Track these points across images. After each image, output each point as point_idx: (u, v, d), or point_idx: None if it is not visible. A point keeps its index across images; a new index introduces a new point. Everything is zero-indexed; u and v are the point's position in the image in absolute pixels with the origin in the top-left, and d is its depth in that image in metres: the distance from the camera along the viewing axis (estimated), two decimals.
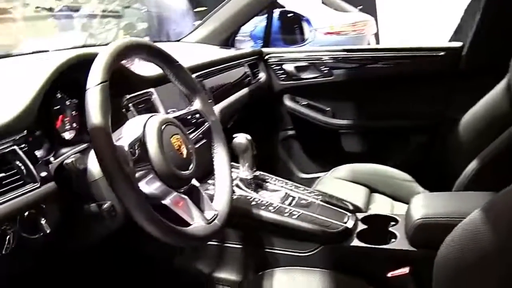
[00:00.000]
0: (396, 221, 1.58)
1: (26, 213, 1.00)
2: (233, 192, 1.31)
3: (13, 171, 0.99)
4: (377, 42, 7.06)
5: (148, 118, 1.13)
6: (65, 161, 1.04)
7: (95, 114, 0.97)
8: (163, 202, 1.14)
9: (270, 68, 2.54)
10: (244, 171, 1.63)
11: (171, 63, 1.27)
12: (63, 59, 1.15)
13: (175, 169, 1.11)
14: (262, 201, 1.58)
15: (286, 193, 1.67)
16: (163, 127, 1.13)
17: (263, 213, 1.52)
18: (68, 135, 1.25)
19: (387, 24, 7.34)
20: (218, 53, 2.30)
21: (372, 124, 2.48)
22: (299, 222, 1.50)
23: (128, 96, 1.41)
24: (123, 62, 1.20)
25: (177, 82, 1.30)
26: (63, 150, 1.15)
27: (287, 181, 1.77)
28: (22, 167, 1.01)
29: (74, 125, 1.27)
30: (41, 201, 1.02)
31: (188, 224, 1.14)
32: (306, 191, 1.72)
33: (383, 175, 2.12)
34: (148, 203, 1.00)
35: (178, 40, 2.55)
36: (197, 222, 1.14)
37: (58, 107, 1.22)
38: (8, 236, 0.95)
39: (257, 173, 1.77)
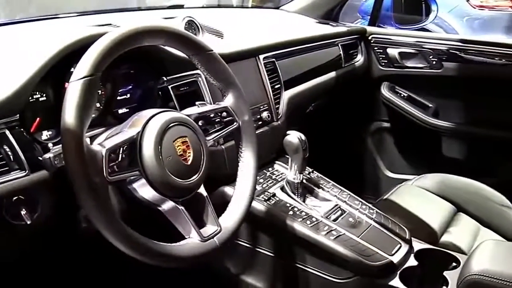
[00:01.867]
0: (458, 262, 1.33)
1: (14, 198, 0.95)
2: (249, 205, 1.16)
3: None
4: None
5: (153, 116, 1.01)
6: (44, 156, 0.96)
7: (69, 113, 0.86)
8: (159, 208, 1.04)
9: (372, 50, 2.26)
10: (292, 173, 1.46)
11: (199, 50, 1.12)
12: (70, 39, 1.05)
13: (171, 177, 0.99)
14: (302, 211, 1.40)
15: (336, 205, 1.48)
16: (168, 127, 1.00)
17: (297, 226, 1.35)
18: None
19: None
20: (311, 28, 2.09)
21: (478, 131, 2.12)
22: (335, 244, 1.31)
23: (165, 78, 1.30)
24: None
25: (207, 73, 1.15)
26: None
27: (345, 190, 1.57)
28: (9, 153, 0.95)
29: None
30: (27, 190, 0.97)
31: (182, 238, 1.03)
32: (362, 205, 1.51)
33: (476, 194, 1.81)
34: (119, 216, 0.90)
35: (278, 8, 2.37)
36: (190, 238, 1.02)
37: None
38: None
39: (313, 174, 1.60)
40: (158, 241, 0.98)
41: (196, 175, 1.04)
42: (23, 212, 0.96)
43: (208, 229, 1.06)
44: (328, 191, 1.53)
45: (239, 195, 1.15)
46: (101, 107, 1.21)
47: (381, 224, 1.43)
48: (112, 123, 1.14)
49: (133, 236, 0.91)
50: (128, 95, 1.28)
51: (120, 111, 1.26)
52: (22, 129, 0.98)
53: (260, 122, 1.56)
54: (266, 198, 1.43)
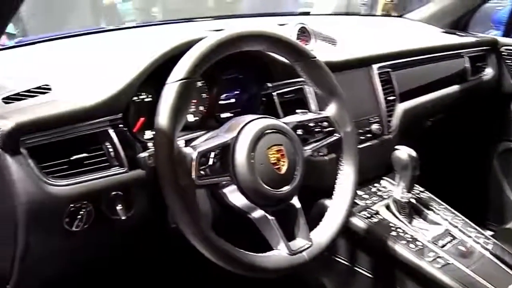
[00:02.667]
0: None
1: (113, 193, 0.99)
2: (344, 221, 1.09)
3: (100, 152, 0.98)
4: None
5: (248, 122, 1.00)
6: (139, 155, 0.98)
7: (162, 114, 0.88)
8: (249, 216, 1.01)
9: (503, 64, 2.06)
10: (399, 191, 1.36)
11: (302, 56, 1.08)
12: (169, 46, 1.07)
13: (263, 185, 0.96)
14: (407, 233, 1.30)
15: (446, 230, 1.35)
16: (263, 134, 0.98)
17: (400, 249, 1.25)
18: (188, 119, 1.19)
19: None
20: (435, 38, 1.95)
21: None
22: (441, 273, 1.20)
23: (270, 84, 1.28)
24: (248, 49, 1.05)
25: (310, 80, 1.11)
26: None
27: (459, 215, 1.43)
28: (111, 150, 0.99)
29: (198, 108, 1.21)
30: (126, 186, 0.99)
31: (270, 249, 0.99)
32: (477, 233, 1.37)
33: None
34: (206, 220, 0.89)
35: (400, 16, 2.25)
36: (278, 250, 0.98)
37: None
38: (81, 215, 0.95)
39: (424, 194, 1.48)
40: (245, 250, 0.96)
41: (289, 185, 1.01)
42: (119, 207, 0.98)
43: (298, 243, 1.02)
44: (439, 214, 1.41)
45: (335, 210, 1.09)
46: (204, 110, 1.22)
47: (497, 256, 1.29)
48: (213, 127, 1.14)
49: (216, 241, 0.90)
50: (233, 100, 1.28)
51: (223, 115, 1.26)
52: (125, 128, 1.02)
53: (369, 135, 1.48)
54: (369, 215, 1.35)
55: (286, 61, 1.15)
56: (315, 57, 1.10)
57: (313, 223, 1.09)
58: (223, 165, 0.95)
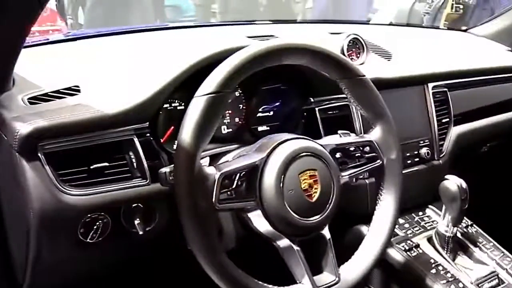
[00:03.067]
0: None
1: (133, 206, 0.94)
2: (378, 258, 1.00)
3: (123, 162, 0.94)
4: None
5: (281, 142, 0.92)
6: (160, 169, 0.93)
7: (186, 130, 0.82)
8: (274, 243, 0.94)
9: None
10: (444, 224, 1.25)
11: (347, 73, 1.00)
12: (205, 54, 1.01)
13: (291, 213, 0.89)
14: (448, 272, 1.20)
15: (493, 272, 1.24)
16: (296, 157, 0.90)
17: None
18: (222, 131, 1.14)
19: None
20: (499, 57, 1.81)
21: None
22: None
23: (313, 99, 1.21)
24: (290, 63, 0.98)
25: (354, 100, 1.02)
26: None
27: (509, 255, 1.31)
28: (134, 160, 0.94)
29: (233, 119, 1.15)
30: (146, 199, 0.95)
31: (294, 282, 0.92)
32: None
33: None
34: (222, 249, 0.83)
35: (465, 30, 2.11)
36: (302, 284, 0.91)
37: None
38: (97, 226, 0.91)
39: (472, 229, 1.36)
40: (268, 279, 0.90)
41: (320, 214, 0.93)
42: (137, 221, 0.94)
43: (324, 278, 0.94)
44: (486, 252, 1.29)
45: (370, 244, 1.01)
46: (240, 122, 1.16)
47: None
48: (248, 141, 1.07)
49: (232, 271, 0.84)
50: (271, 113, 1.21)
51: (260, 128, 1.19)
52: (151, 138, 0.97)
53: (417, 159, 1.38)
54: (408, 247, 1.25)
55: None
56: (363, 75, 1.01)
57: (346, 251, 1.01)
58: (249, 188, 0.88)
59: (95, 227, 0.90)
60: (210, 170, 0.84)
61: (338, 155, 1.01)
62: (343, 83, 1.00)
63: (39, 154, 0.85)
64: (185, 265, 1.19)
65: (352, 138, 1.05)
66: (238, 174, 0.86)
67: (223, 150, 1.08)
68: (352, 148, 1.03)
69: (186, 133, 0.81)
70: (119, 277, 1.15)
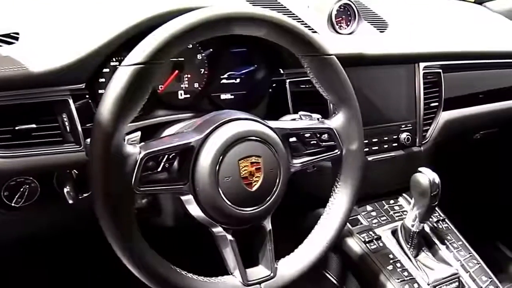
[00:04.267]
0: None
1: (66, 172, 0.87)
2: (319, 257, 0.92)
3: (54, 125, 0.86)
4: None
5: (224, 122, 0.82)
6: (86, 140, 0.84)
7: (106, 103, 0.71)
8: (210, 230, 0.87)
9: None
10: (410, 218, 1.17)
11: (311, 50, 0.88)
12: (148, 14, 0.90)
13: (225, 202, 0.80)
14: (406, 270, 1.13)
15: (455, 274, 1.16)
16: (237, 141, 0.81)
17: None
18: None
19: None
20: (507, 39, 1.66)
21: None
22: None
23: (283, 71, 1.10)
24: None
25: (316, 80, 0.91)
26: None
27: (477, 257, 1.23)
28: (67, 123, 0.86)
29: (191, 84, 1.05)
30: (81, 166, 0.87)
31: (227, 273, 0.85)
32: (491, 285, 1.17)
33: None
34: (137, 235, 0.75)
35: (480, 3, 1.94)
36: (233, 276, 0.84)
37: None
38: (23, 190, 0.85)
39: (443, 224, 1.29)
40: (203, 266, 0.83)
41: (260, 205, 0.84)
42: (66, 189, 0.87)
43: (258, 272, 0.87)
44: (453, 252, 1.22)
45: (312, 242, 0.93)
46: (200, 88, 1.06)
47: None
48: (206, 110, 0.97)
49: (149, 261, 0.76)
50: (238, 80, 1.11)
51: (223, 96, 1.09)
52: (89, 101, 0.88)
53: (395, 144, 1.29)
54: (368, 239, 1.18)
55: None
56: (329, 54, 0.90)
57: (304, 235, 0.94)
58: (181, 170, 0.79)
59: (20, 191, 0.84)
60: (133, 149, 0.74)
61: (292, 139, 0.91)
62: (305, 60, 0.89)
63: None
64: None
65: (310, 122, 0.95)
66: (167, 156, 0.77)
67: (176, 118, 0.99)
68: (309, 134, 0.93)
69: (105, 106, 0.71)
70: (51, 244, 1.10)
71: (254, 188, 0.83)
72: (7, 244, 0.98)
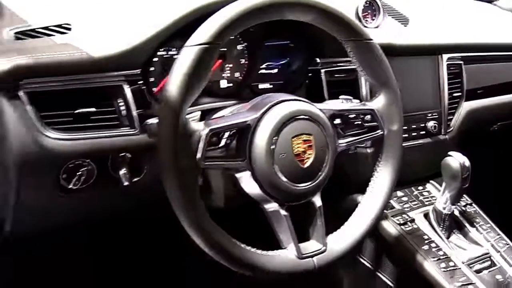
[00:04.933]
0: None
1: (120, 155, 0.91)
2: (367, 232, 0.97)
3: (111, 109, 0.90)
4: None
5: (277, 102, 0.87)
6: (147, 120, 0.89)
7: (173, 81, 0.76)
8: (261, 207, 0.91)
9: None
10: (442, 201, 1.22)
11: (355, 35, 0.93)
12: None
13: (281, 177, 0.85)
14: (440, 249, 1.17)
15: (487, 253, 1.21)
16: (290, 120, 0.85)
17: (428, 267, 1.13)
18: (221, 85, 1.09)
19: None
20: None
21: None
22: None
23: (319, 60, 1.15)
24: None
25: (359, 64, 0.96)
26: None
27: (505, 238, 1.28)
28: (123, 108, 0.91)
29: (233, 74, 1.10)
30: (135, 150, 0.91)
31: (279, 247, 0.89)
32: None
33: None
34: (202, 207, 0.79)
35: (490, 1, 2.01)
36: (286, 250, 0.88)
37: None
38: (81, 172, 0.88)
39: (471, 208, 1.33)
40: (254, 242, 0.87)
41: (312, 181, 0.89)
42: (123, 171, 0.91)
43: (310, 246, 0.91)
44: (482, 233, 1.26)
45: (360, 216, 0.97)
46: (240, 77, 1.11)
47: None
48: (247, 98, 1.02)
49: (212, 233, 0.80)
50: (276, 70, 1.16)
51: (261, 86, 1.15)
52: (143, 87, 0.93)
53: (422, 132, 1.34)
54: (403, 221, 1.22)
55: None
56: (371, 39, 0.95)
57: (341, 219, 0.98)
58: (239, 147, 0.84)
59: (78, 173, 0.88)
60: (198, 126, 0.79)
61: (337, 121, 0.96)
62: (349, 45, 0.94)
63: (20, 93, 0.81)
64: (169, 223, 1.18)
65: (353, 104, 0.99)
66: (228, 132, 0.82)
67: (220, 105, 1.04)
68: (352, 116, 0.97)
69: (173, 84, 0.76)
70: (102, 228, 1.13)
71: (306, 165, 0.87)
72: (60, 229, 1.01)
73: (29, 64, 0.81)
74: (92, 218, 1.02)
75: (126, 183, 0.90)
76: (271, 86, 1.15)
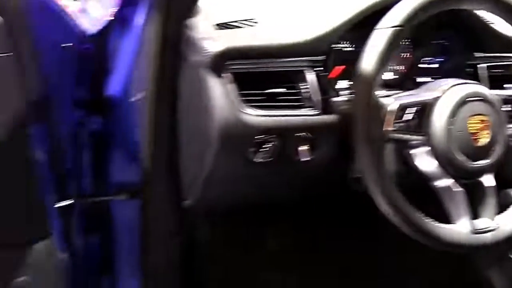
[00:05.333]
0: None
1: (301, 134, 1.00)
2: None
3: (295, 91, 0.99)
4: None
5: (455, 84, 0.94)
6: (334, 99, 0.98)
7: (367, 59, 0.86)
8: (433, 183, 0.96)
9: None
10: None
11: None
12: None
13: (457, 153, 0.91)
14: None
15: None
16: (468, 100, 0.92)
17: None
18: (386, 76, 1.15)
19: None
20: None
21: None
22: None
23: (478, 55, 1.18)
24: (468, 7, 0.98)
25: None
26: None
27: None
28: (306, 90, 0.99)
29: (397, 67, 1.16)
30: (314, 129, 1.00)
31: (449, 222, 0.94)
32: None
33: None
34: (393, 182, 0.86)
35: None
36: (459, 225, 0.92)
37: None
38: (267, 147, 0.97)
39: None
40: None
41: (487, 160, 0.93)
42: (303, 148, 0.99)
43: (482, 223, 0.95)
44: None
45: None
46: (404, 69, 1.17)
47: None
48: (409, 89, 1.08)
49: (399, 203, 0.87)
50: (435, 65, 1.20)
51: (421, 79, 1.19)
52: (323, 72, 1.02)
53: None
54: None
55: (504, 32, 1.05)
56: None
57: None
58: (420, 124, 0.91)
59: (264, 148, 0.97)
60: (387, 100, 0.88)
61: (506, 107, 1.00)
62: None
63: (226, 73, 0.92)
64: (338, 203, 1.24)
65: None
66: (412, 109, 0.90)
67: (389, 93, 1.10)
68: None
69: (368, 62, 0.86)
70: (274, 208, 1.23)
71: (481, 144, 0.92)
72: (237, 207, 1.12)
73: (236, 47, 0.93)
74: (271, 195, 1.11)
75: (305, 159, 0.98)
76: (431, 80, 1.19)
